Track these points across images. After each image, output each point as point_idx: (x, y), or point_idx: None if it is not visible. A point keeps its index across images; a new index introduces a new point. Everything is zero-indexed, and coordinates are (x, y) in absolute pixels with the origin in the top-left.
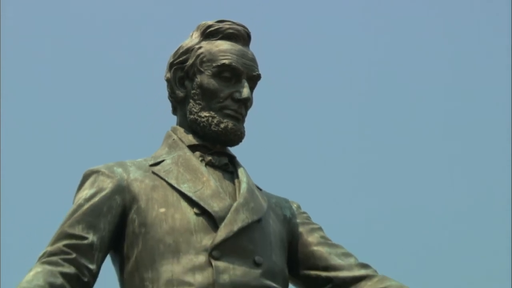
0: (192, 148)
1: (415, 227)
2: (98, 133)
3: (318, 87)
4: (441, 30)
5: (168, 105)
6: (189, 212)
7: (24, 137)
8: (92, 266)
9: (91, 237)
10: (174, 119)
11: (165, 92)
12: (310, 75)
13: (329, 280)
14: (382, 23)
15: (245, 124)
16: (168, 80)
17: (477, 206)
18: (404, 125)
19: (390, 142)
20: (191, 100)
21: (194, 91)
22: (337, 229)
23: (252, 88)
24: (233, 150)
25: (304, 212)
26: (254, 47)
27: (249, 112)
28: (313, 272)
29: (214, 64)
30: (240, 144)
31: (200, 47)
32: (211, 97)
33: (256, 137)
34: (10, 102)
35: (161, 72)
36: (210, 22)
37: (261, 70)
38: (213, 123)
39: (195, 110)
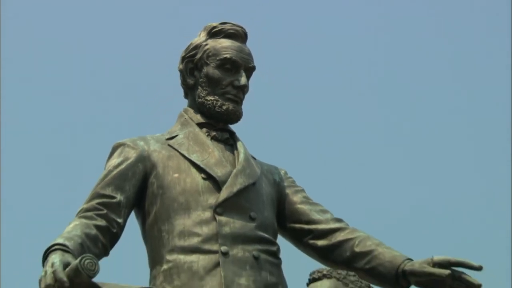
0: (200, 125)
1: (413, 225)
2: (126, 114)
3: (314, 81)
4: (442, 30)
5: (181, 91)
6: (198, 177)
7: (39, 131)
8: (119, 220)
9: (119, 197)
10: (185, 102)
11: (178, 81)
12: (305, 69)
13: (310, 231)
14: (384, 22)
15: (243, 106)
16: (180, 71)
17: (477, 207)
18: (403, 122)
19: (389, 140)
20: (199, 87)
21: (201, 79)
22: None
23: (248, 77)
24: (232, 127)
25: (290, 177)
26: (250, 41)
27: (246, 96)
28: (297, 225)
29: (218, 58)
30: (239, 122)
31: (206, 44)
32: (215, 84)
33: (251, 116)
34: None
35: (174, 65)
36: (214, 24)
37: (257, 60)
38: (217, 105)
39: (202, 95)
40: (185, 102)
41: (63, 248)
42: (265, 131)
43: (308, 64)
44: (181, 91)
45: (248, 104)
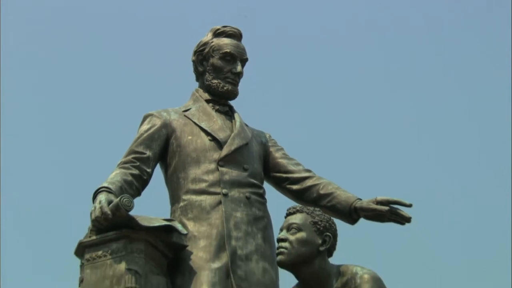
0: (207, 101)
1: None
2: (153, 94)
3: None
4: (443, 29)
5: (193, 76)
6: (205, 139)
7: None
8: (148, 170)
9: (148, 153)
10: (196, 84)
11: (191, 69)
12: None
13: (287, 179)
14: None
15: (239, 87)
16: (193, 61)
17: (477, 208)
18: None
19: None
20: (206, 73)
21: (208, 67)
22: None
23: (242, 66)
24: (231, 102)
25: (273, 139)
26: (245, 39)
27: (241, 80)
28: (278, 174)
29: (220, 52)
30: (236, 99)
31: (212, 42)
32: (218, 71)
33: (245, 94)
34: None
35: (189, 57)
36: (218, 27)
37: (249, 52)
38: (220, 87)
39: (209, 79)
40: (196, 84)
41: (108, 190)
42: (256, 105)
43: (305, 55)
44: (193, 76)
45: (241, 85)
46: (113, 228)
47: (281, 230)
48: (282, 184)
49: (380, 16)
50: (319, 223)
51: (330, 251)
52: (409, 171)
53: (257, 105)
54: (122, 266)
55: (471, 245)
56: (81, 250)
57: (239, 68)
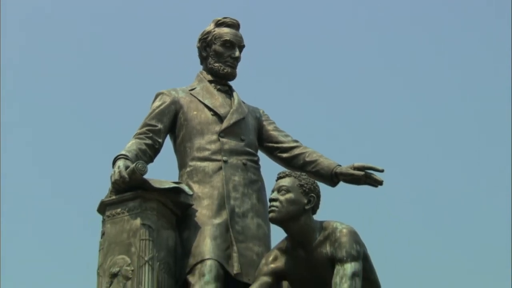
0: (210, 81)
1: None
2: (165, 75)
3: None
4: (444, 29)
5: (198, 60)
6: (208, 114)
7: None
8: (160, 140)
9: (160, 125)
10: (200, 67)
11: (196, 54)
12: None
13: (278, 148)
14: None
15: (237, 70)
16: (198, 47)
17: (477, 208)
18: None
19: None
20: (209, 57)
21: (211, 53)
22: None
23: (240, 52)
24: (230, 83)
25: (266, 114)
26: (243, 30)
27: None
28: (270, 144)
29: (221, 39)
30: (235, 80)
31: (214, 31)
32: (219, 56)
33: (243, 76)
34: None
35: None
36: (219, 18)
37: (245, 40)
38: (221, 69)
39: (211, 63)
40: (200, 67)
41: (125, 157)
42: (252, 86)
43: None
44: (198, 60)
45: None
46: (130, 189)
47: (273, 191)
48: (273, 152)
49: (380, 15)
50: (305, 185)
51: (314, 210)
52: (408, 167)
53: (254, 85)
54: (138, 221)
55: (472, 244)
56: (103, 207)
57: (237, 53)
